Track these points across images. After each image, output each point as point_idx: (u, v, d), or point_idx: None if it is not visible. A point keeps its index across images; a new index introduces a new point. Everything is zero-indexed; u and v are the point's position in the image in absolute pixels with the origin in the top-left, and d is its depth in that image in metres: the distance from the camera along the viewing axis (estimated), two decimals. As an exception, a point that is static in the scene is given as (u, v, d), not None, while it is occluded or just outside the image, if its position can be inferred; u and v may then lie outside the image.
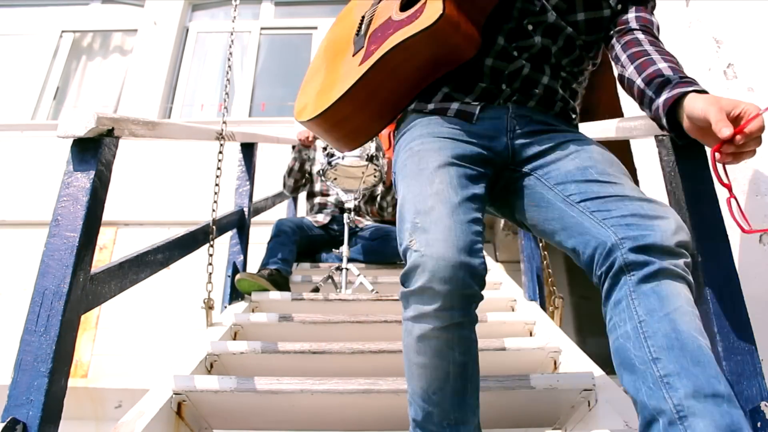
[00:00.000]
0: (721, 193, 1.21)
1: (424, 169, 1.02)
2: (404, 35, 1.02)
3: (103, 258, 4.30)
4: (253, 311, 2.32)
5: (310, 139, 2.99)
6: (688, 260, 0.91)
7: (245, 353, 1.66)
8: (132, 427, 1.20)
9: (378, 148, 2.55)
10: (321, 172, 2.61)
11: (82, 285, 1.14)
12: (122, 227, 4.57)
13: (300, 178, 3.13)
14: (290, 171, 3.13)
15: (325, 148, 2.63)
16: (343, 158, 2.49)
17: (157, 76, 5.77)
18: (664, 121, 1.03)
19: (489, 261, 3.45)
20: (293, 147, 3.53)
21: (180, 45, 6.14)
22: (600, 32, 1.17)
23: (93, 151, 1.21)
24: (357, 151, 2.47)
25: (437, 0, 1.02)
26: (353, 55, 1.16)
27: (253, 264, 2.69)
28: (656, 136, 1.29)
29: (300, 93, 1.28)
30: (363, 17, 1.26)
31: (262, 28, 6.34)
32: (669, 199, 1.24)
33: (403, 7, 1.12)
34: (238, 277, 2.36)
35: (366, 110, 1.04)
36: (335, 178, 2.59)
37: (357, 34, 1.22)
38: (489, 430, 1.38)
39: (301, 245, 2.76)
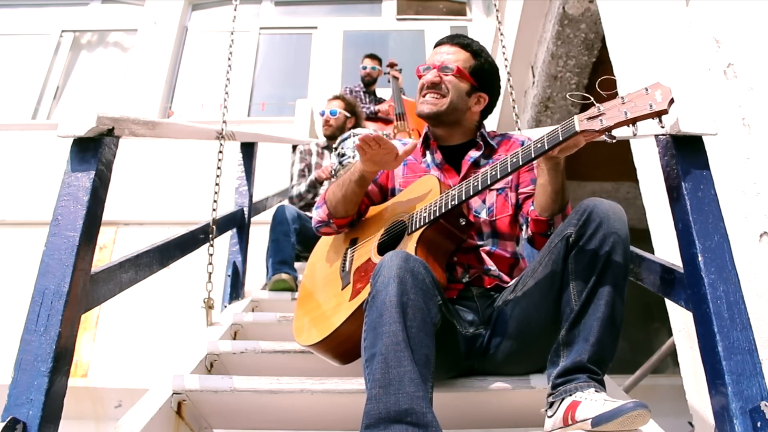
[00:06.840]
0: (722, 193, 1.21)
1: None
2: None
3: (103, 258, 4.30)
4: (253, 311, 2.32)
5: (328, 175, 2.97)
6: None
7: (245, 353, 1.67)
8: (132, 426, 1.19)
9: None
10: (333, 172, 2.63)
11: (82, 285, 1.13)
12: (122, 227, 4.56)
13: (310, 199, 3.10)
14: (300, 198, 3.09)
15: (335, 149, 2.66)
16: (354, 157, 2.54)
17: (156, 75, 5.76)
18: None
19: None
20: (293, 147, 3.52)
21: (180, 44, 6.13)
22: None
23: (93, 150, 1.20)
24: None
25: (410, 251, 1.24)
26: (342, 289, 1.40)
27: (253, 263, 2.69)
28: (656, 136, 1.29)
29: (297, 313, 1.51)
30: (345, 252, 1.51)
31: (261, 28, 6.34)
32: (669, 199, 1.24)
33: (380, 252, 1.38)
34: (279, 278, 2.50)
35: (356, 335, 1.17)
36: None
37: (342, 270, 1.47)
38: (489, 429, 1.39)
39: (300, 234, 2.76)
